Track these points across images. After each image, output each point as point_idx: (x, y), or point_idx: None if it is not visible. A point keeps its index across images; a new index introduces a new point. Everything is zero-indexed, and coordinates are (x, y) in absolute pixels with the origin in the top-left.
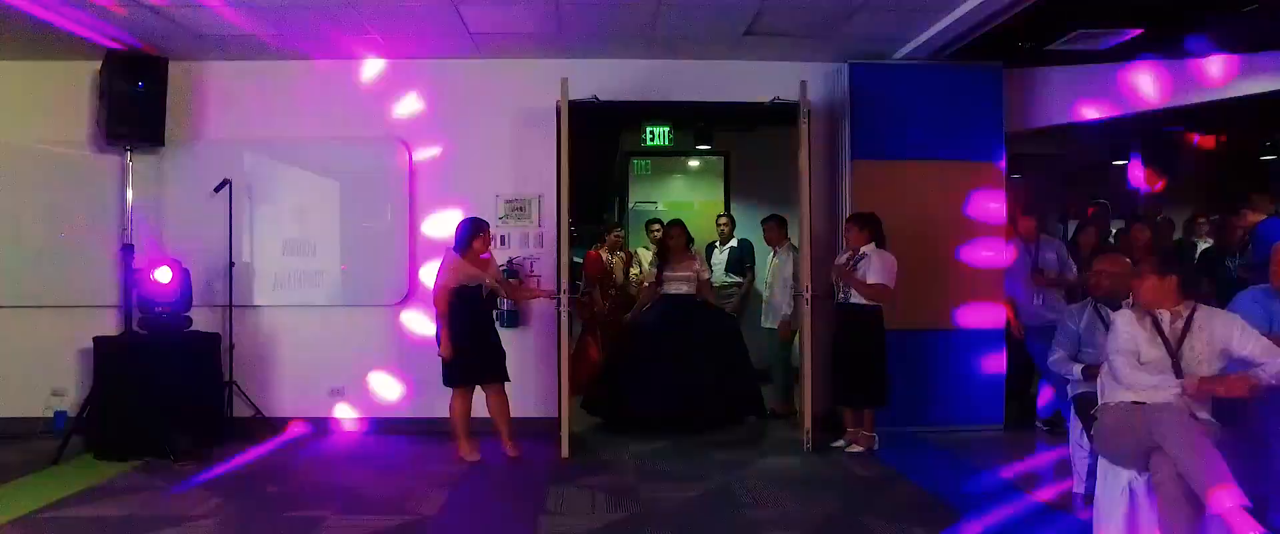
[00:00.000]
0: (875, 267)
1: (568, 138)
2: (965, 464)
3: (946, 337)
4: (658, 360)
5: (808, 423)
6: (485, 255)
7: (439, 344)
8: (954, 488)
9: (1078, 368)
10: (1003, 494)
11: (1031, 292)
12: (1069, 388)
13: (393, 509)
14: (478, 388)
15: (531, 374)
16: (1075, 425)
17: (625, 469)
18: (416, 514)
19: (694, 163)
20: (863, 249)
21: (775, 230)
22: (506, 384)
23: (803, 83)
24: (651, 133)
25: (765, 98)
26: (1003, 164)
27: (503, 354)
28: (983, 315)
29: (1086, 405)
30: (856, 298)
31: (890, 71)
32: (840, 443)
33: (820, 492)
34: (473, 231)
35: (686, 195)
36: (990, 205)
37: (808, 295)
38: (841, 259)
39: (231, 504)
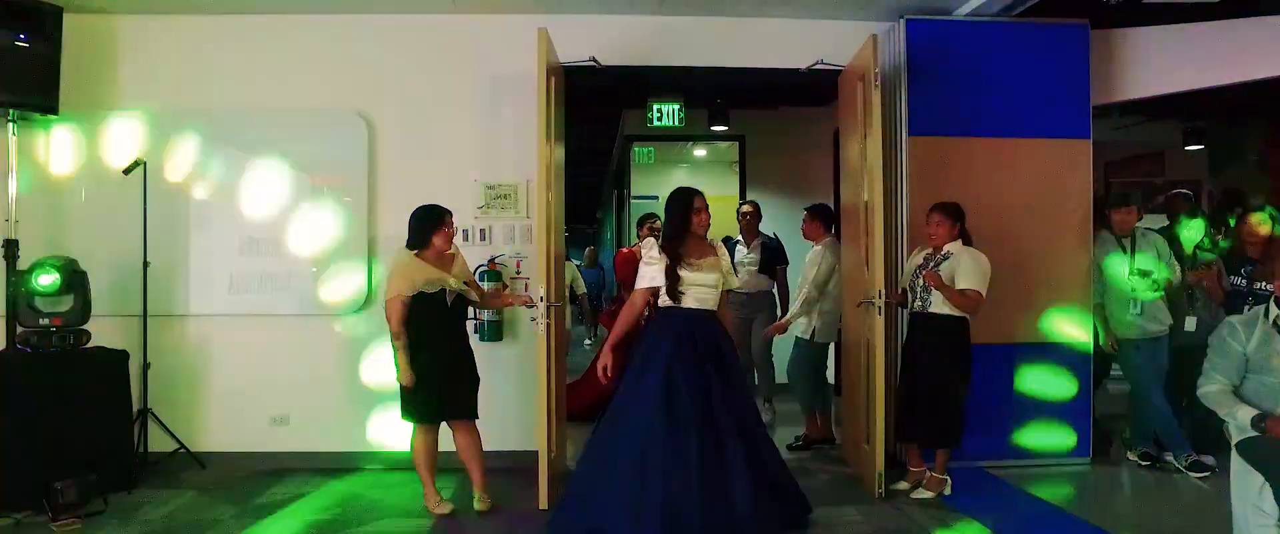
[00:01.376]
0: (966, 268)
1: (552, 106)
2: (1065, 517)
3: (1023, 352)
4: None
5: (879, 465)
6: (448, 252)
7: (396, 368)
8: None
9: (1245, 412)
10: None
11: (1128, 299)
12: (1233, 427)
13: None
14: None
15: (516, 399)
16: (1249, 481)
17: None
18: None
19: (700, 152)
20: (948, 247)
21: (819, 223)
22: (475, 420)
23: (873, 38)
24: (659, 111)
25: (799, 65)
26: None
27: (476, 382)
28: (1067, 326)
29: (1263, 452)
30: (938, 307)
31: (954, 30)
32: (903, 485)
33: None
34: (432, 223)
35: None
36: (1078, 192)
37: (880, 302)
38: (919, 258)
39: None
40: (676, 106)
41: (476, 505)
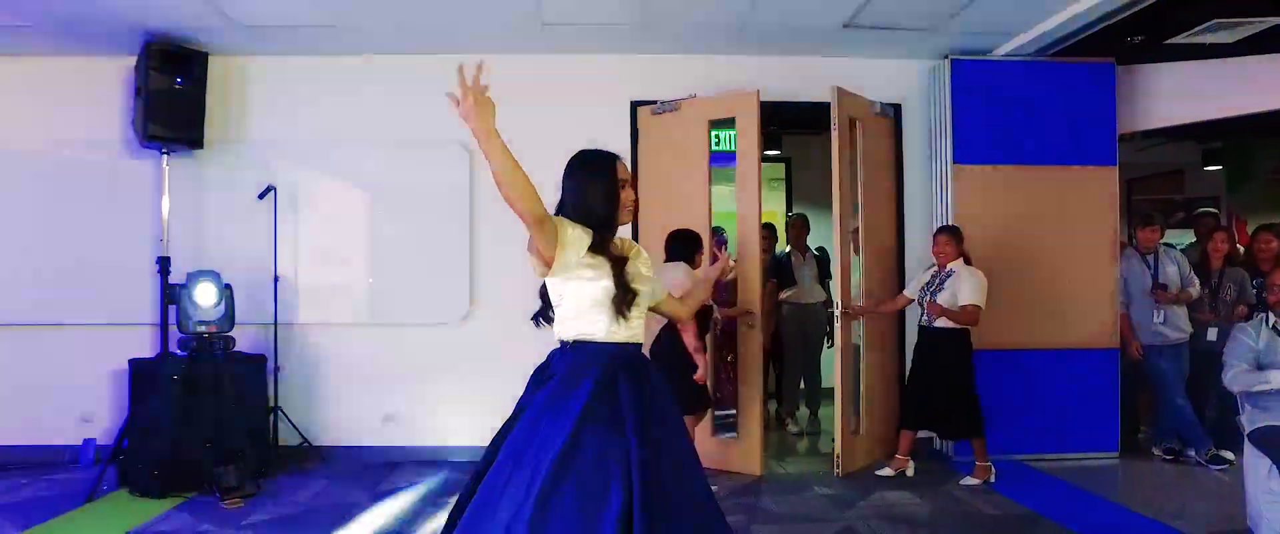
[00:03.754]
0: (967, 285)
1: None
2: (1100, 500)
3: (1058, 357)
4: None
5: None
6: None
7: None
8: (1110, 529)
9: (1277, 375)
10: None
11: (1151, 308)
12: (1245, 419)
13: None
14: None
15: None
16: (1260, 465)
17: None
18: None
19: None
20: (950, 265)
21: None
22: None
23: (836, 90)
24: (717, 137)
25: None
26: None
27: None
28: (1097, 333)
29: (1271, 440)
30: (942, 321)
31: (994, 69)
32: (887, 471)
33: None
34: (697, 245)
35: (730, 205)
36: (1105, 213)
37: (928, 310)
38: (927, 277)
39: None
40: (734, 133)
41: None
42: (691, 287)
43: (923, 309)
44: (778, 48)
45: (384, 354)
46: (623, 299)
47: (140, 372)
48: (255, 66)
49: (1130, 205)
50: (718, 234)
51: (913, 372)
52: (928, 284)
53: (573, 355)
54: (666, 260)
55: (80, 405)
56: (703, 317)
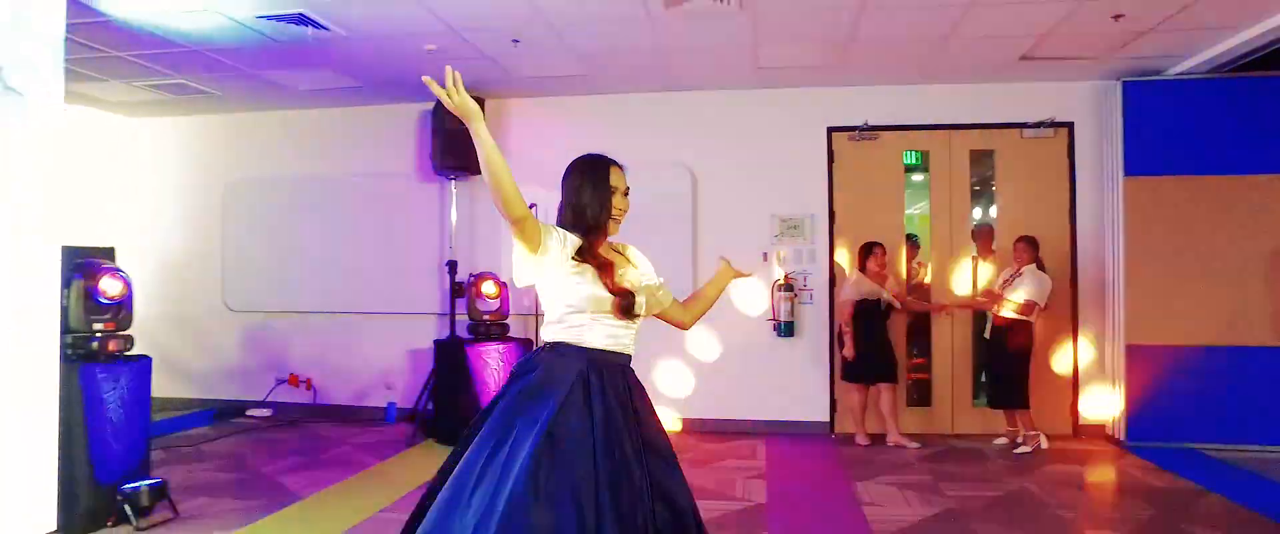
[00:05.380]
0: (1028, 283)
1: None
2: (1269, 483)
3: (1248, 354)
4: None
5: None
6: (883, 272)
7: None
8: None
9: None
10: None
11: None
12: None
13: (726, 497)
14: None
15: (798, 381)
16: None
17: (915, 470)
18: (749, 501)
19: (918, 177)
20: (1023, 268)
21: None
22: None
23: None
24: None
25: (1030, 119)
26: None
27: (894, 359)
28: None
29: None
30: (1008, 312)
31: (1166, 87)
32: (1001, 441)
33: (1121, 497)
34: (865, 254)
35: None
36: None
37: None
38: (1004, 276)
39: None
40: (919, 153)
41: (896, 442)
42: (697, 294)
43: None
44: (959, 78)
45: None
46: (622, 304)
47: (442, 349)
48: (520, 107)
49: None
50: (911, 240)
51: (987, 355)
52: (1005, 282)
53: (551, 356)
54: (859, 268)
55: (384, 376)
56: (867, 309)
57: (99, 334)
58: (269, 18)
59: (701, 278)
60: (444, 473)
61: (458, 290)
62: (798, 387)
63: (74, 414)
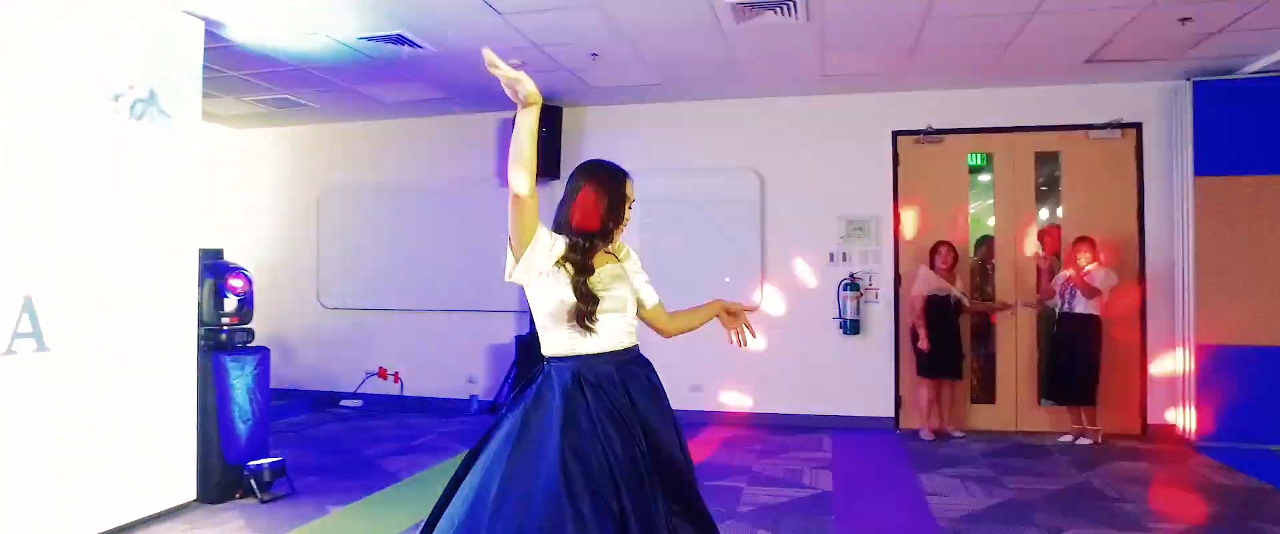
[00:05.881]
0: (1100, 278)
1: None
2: None
3: None
4: None
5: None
6: (950, 270)
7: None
8: None
9: None
10: None
11: None
12: None
13: (795, 484)
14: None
15: (864, 377)
16: None
17: (977, 463)
18: (816, 488)
19: (984, 177)
20: (1089, 267)
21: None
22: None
23: None
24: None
25: (1095, 120)
26: None
27: (962, 355)
28: None
29: None
30: (1083, 307)
31: (1238, 86)
32: (1067, 437)
33: (1188, 494)
34: (931, 252)
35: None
36: None
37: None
38: (1065, 275)
39: None
40: (983, 156)
41: (953, 432)
42: (688, 312)
43: (1062, 299)
44: (1023, 81)
45: (692, 337)
46: (582, 311)
47: (522, 344)
48: (594, 114)
49: None
50: (986, 241)
51: (1053, 351)
52: (1066, 278)
53: (546, 370)
54: (928, 266)
55: (466, 370)
56: (936, 306)
57: (227, 327)
58: (370, 39)
59: (770, 278)
60: (455, 482)
61: None
62: (863, 382)
63: (208, 399)
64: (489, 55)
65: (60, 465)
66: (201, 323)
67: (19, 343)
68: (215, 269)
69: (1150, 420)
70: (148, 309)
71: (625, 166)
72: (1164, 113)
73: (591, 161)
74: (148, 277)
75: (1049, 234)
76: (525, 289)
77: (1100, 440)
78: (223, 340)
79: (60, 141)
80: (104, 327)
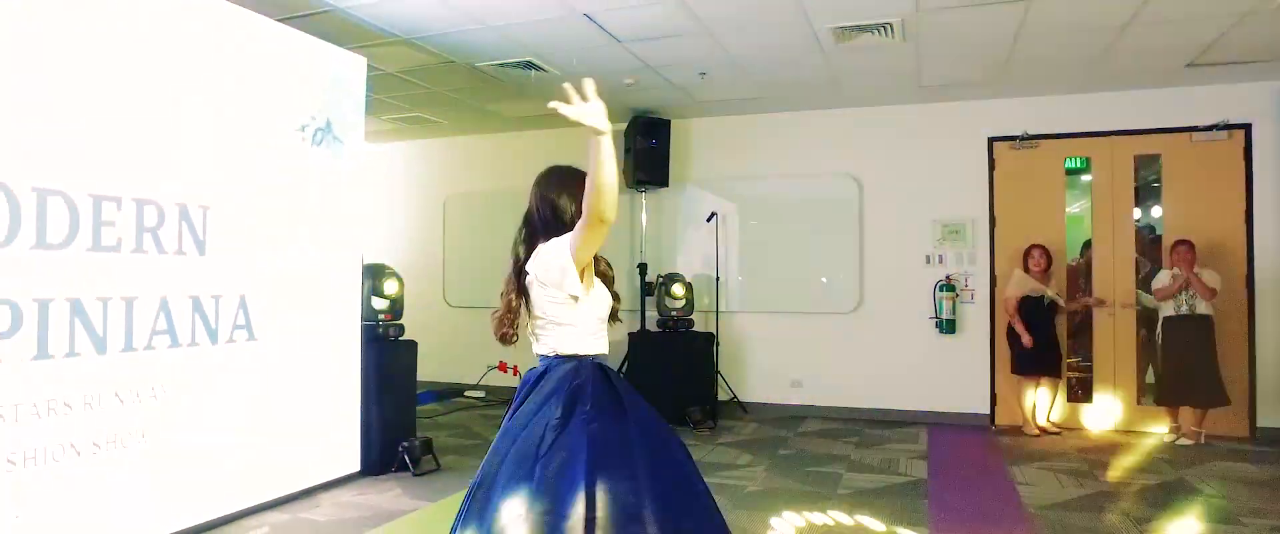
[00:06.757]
0: (1209, 279)
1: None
2: None
3: None
4: None
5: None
6: (1044, 271)
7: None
8: None
9: None
10: None
11: None
12: None
13: (891, 472)
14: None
15: (960, 374)
16: None
17: (1071, 458)
18: (911, 476)
19: (1085, 177)
20: (1196, 269)
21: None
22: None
23: None
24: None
25: (1197, 122)
26: None
27: (1059, 354)
28: None
29: None
30: (1202, 308)
31: None
32: (1169, 437)
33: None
34: (1025, 255)
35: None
36: None
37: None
38: (1168, 277)
39: (761, 460)
40: (1080, 159)
41: (1036, 431)
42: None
43: (1176, 302)
44: (1122, 86)
45: (793, 335)
46: (615, 309)
47: (634, 342)
48: (700, 126)
49: None
50: (1088, 246)
51: (1169, 354)
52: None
53: (576, 368)
54: (1022, 268)
55: None
56: (1030, 306)
57: (383, 323)
58: (502, 65)
59: (868, 281)
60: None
61: (648, 289)
62: (959, 380)
63: (368, 383)
64: (555, 105)
65: (259, 435)
66: (363, 319)
67: (237, 333)
68: (373, 272)
69: (1258, 424)
70: (325, 306)
71: (730, 173)
72: (1275, 113)
73: (557, 167)
74: (325, 278)
75: (1148, 237)
76: (561, 300)
77: (1202, 441)
78: (379, 334)
79: (264, 166)
80: (294, 321)
